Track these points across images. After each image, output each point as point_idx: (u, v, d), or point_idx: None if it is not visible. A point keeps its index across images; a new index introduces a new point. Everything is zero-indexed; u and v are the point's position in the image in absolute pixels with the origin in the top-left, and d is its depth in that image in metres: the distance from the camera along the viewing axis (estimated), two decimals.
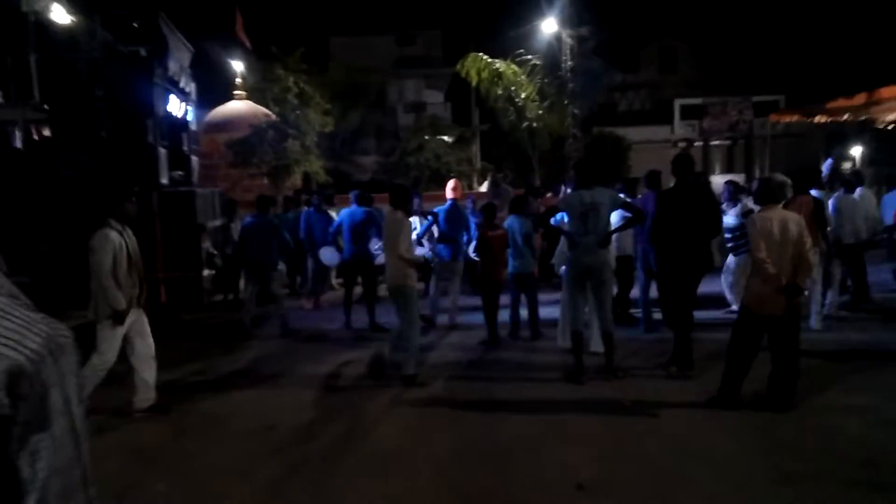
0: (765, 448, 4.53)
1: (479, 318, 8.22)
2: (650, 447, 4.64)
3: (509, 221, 7.97)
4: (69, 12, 8.30)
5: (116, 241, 5.53)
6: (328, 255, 9.68)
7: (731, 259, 8.61)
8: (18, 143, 8.74)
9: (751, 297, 5.30)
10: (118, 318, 5.49)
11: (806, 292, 5.48)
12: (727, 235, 8.41)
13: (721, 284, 8.89)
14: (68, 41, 8.21)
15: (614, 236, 6.42)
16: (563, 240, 7.49)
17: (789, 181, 5.55)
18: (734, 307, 8.47)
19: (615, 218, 6.65)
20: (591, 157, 18.17)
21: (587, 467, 4.33)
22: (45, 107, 8.49)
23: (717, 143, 32.32)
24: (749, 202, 8.58)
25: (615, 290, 7.51)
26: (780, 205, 5.33)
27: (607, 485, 4.10)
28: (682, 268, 6.22)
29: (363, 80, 25.08)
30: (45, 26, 8.26)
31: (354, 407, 5.78)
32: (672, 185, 6.49)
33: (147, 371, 5.78)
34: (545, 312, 8.23)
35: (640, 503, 3.90)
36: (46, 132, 9.09)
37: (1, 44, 8.33)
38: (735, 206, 8.58)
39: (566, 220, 6.51)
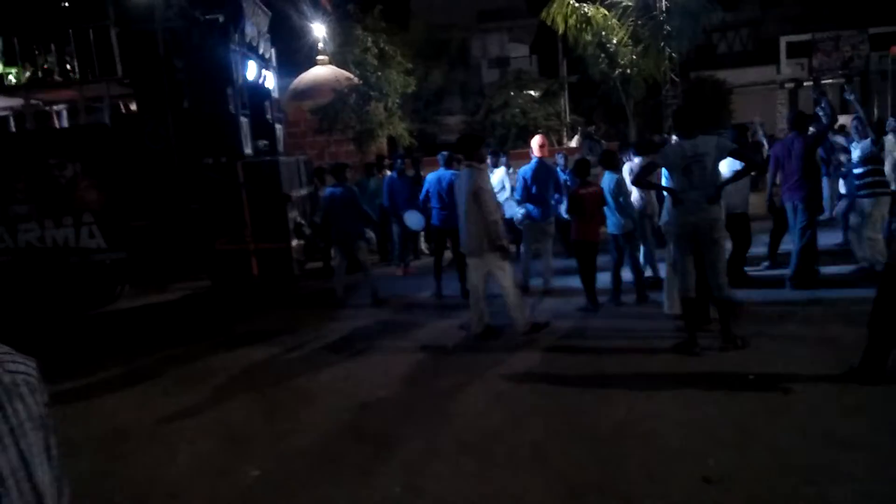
0: None
1: (575, 281, 7.68)
2: (784, 431, 4.04)
3: (605, 178, 7.36)
4: None
5: None
6: (413, 219, 9.36)
7: (859, 204, 7.66)
8: (106, 119, 8.80)
9: None
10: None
11: None
12: (856, 173, 7.52)
13: (843, 236, 7.98)
14: (145, 12, 8.10)
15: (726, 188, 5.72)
16: (667, 197, 6.85)
17: None
18: (864, 264, 7.56)
19: (724, 169, 5.95)
20: (691, 103, 16.92)
21: (712, 455, 3.80)
22: (128, 81, 8.49)
23: (828, 81, 29.67)
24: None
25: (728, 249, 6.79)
26: None
27: (739, 478, 3.56)
28: None
29: (445, 36, 24.39)
30: None
31: (448, 382, 5.44)
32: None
33: None
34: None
35: (785, 503, 3.35)
36: (133, 106, 9.14)
37: (82, 19, 8.34)
38: (862, 142, 7.58)
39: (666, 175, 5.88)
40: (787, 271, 7.48)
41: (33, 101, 9.47)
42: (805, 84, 28.60)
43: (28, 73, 8.96)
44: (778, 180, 7.55)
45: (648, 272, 7.87)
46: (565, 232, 9.14)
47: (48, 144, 8.89)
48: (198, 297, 10.13)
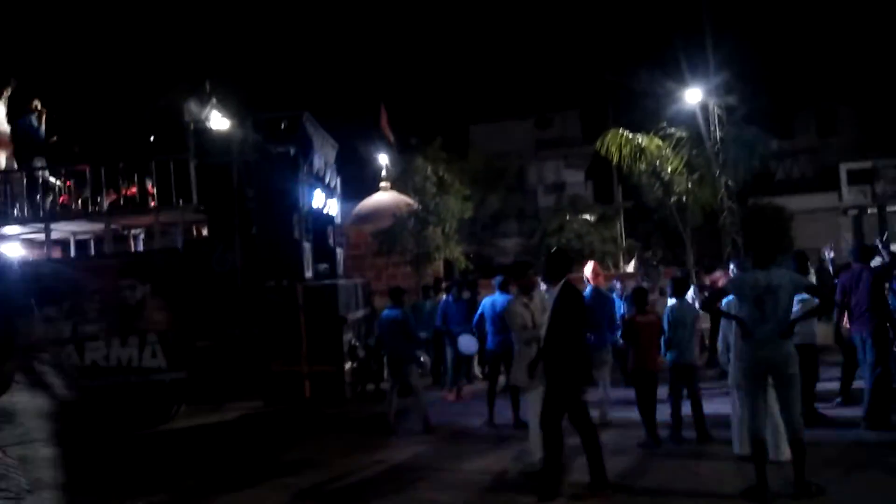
0: None
1: (635, 413, 7.38)
2: None
3: (670, 305, 7.24)
4: (224, 117, 8.88)
5: None
6: (466, 343, 9.33)
7: None
8: (178, 243, 9.29)
9: None
10: None
11: None
12: None
13: None
14: (223, 146, 8.74)
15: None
16: (725, 328, 6.65)
17: None
18: None
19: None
20: (766, 233, 16.76)
21: None
22: (202, 208, 9.02)
23: (894, 209, 29.09)
24: None
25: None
26: None
27: None
28: None
29: (502, 164, 25.28)
30: (203, 133, 8.87)
31: None
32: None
33: None
34: (711, 409, 7.26)
35: None
36: (204, 231, 9.65)
37: (165, 151, 9.04)
38: None
39: (734, 304, 5.73)
40: (860, 410, 7.04)
41: (113, 226, 10.10)
42: (869, 211, 28.11)
43: (110, 200, 9.64)
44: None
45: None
46: (623, 360, 8.93)
47: (123, 267, 9.39)
48: (250, 419, 10.12)
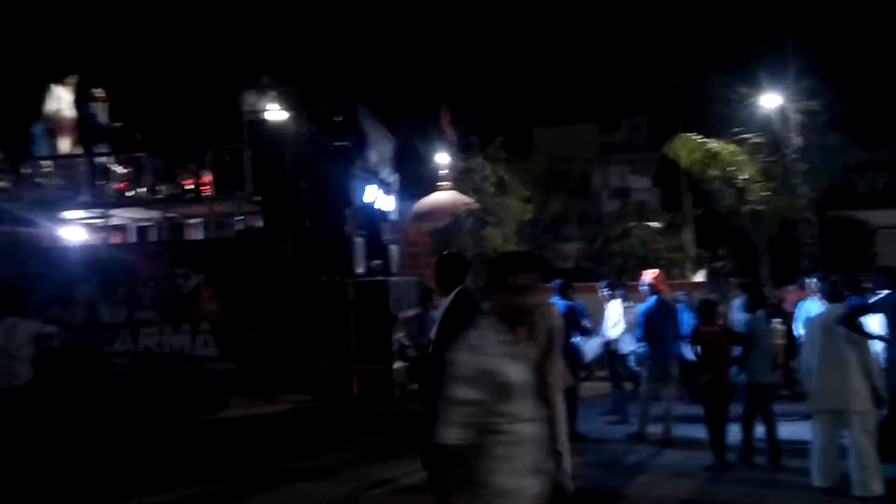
0: None
1: (701, 432, 6.82)
2: None
3: (745, 319, 6.70)
4: (280, 109, 8.75)
5: None
6: None
7: None
8: (232, 234, 9.23)
9: None
10: None
11: None
12: None
13: None
14: (277, 137, 8.61)
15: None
16: (808, 349, 6.04)
17: None
18: None
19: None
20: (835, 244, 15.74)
21: None
22: (256, 199, 8.93)
23: None
24: None
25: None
26: None
27: None
28: None
29: (565, 167, 24.67)
30: (259, 124, 8.77)
31: None
32: None
33: None
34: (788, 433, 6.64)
35: None
36: (258, 223, 9.56)
37: (221, 142, 8.99)
38: None
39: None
40: None
41: (170, 215, 10.14)
42: None
43: (168, 189, 9.66)
44: None
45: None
46: (689, 374, 8.36)
47: (178, 255, 9.40)
48: (299, 413, 9.98)
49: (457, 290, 4.43)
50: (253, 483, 6.47)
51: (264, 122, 9.01)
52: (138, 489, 6.23)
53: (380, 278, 9.14)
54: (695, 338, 6.74)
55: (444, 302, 4.50)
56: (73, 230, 10.32)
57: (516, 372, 2.37)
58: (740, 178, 16.71)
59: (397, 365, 8.72)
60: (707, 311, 6.91)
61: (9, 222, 9.90)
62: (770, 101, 16.80)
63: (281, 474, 6.75)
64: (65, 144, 9.88)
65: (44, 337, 7.27)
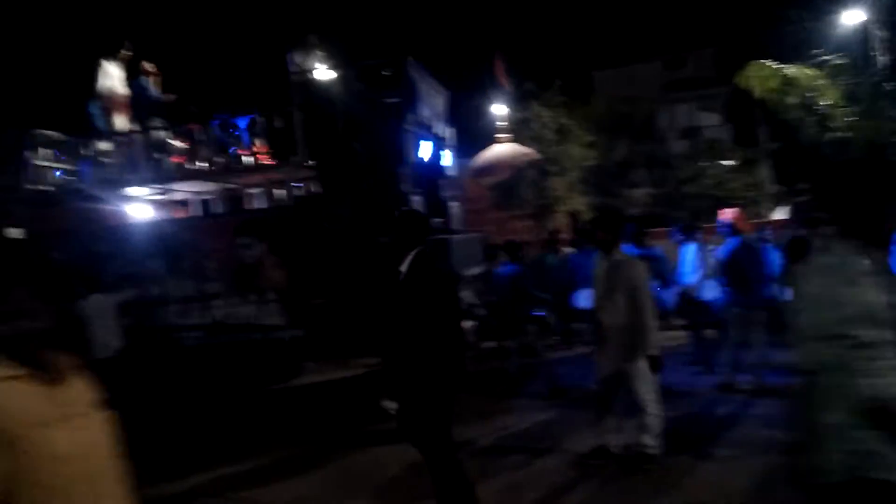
0: None
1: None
2: None
3: None
4: (329, 68, 8.45)
5: None
6: (585, 299, 8.54)
7: None
8: (290, 201, 9.10)
9: None
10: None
11: None
12: None
13: None
14: (327, 97, 8.34)
15: None
16: None
17: None
18: None
19: None
20: None
21: None
22: (310, 163, 8.73)
23: None
24: None
25: None
26: None
27: None
28: None
29: (628, 109, 23.64)
30: (307, 85, 8.51)
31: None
32: None
33: None
34: None
35: None
36: (315, 188, 9.39)
37: (270, 105, 8.80)
38: None
39: None
40: None
41: (228, 186, 10.10)
42: None
43: (224, 159, 9.59)
44: None
45: None
46: (780, 319, 7.80)
47: (239, 225, 9.35)
48: (373, 376, 9.94)
49: (415, 251, 4.11)
50: (333, 447, 6.47)
51: (313, 82, 8.73)
52: (227, 456, 6.37)
53: (441, 237, 8.87)
54: (787, 279, 6.21)
55: (404, 264, 4.11)
56: (138, 207, 10.43)
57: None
58: (822, 104, 15.53)
59: (466, 324, 8.47)
60: (797, 249, 6.34)
61: (79, 202, 10.10)
62: (851, 17, 15.44)
63: (361, 437, 6.74)
64: (120, 121, 9.91)
65: (128, 304, 7.58)
